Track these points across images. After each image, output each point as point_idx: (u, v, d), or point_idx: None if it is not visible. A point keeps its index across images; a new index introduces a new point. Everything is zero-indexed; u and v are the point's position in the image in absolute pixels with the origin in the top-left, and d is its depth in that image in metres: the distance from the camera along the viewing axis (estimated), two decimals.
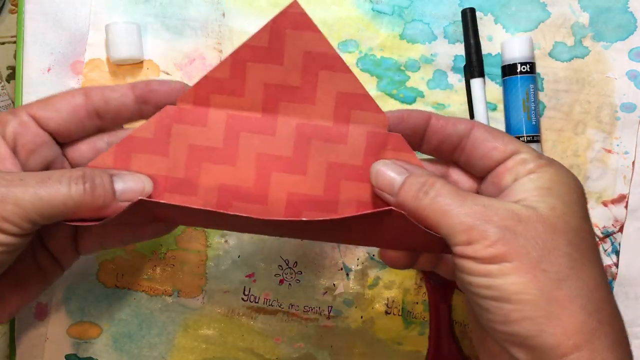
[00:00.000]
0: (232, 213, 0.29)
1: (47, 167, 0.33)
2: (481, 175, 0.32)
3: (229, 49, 0.44)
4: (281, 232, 0.33)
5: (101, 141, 0.34)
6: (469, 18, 0.44)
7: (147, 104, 0.33)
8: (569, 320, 0.26)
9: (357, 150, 0.32)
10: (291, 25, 0.31)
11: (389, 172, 0.31)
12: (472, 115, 0.44)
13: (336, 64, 0.31)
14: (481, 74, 0.44)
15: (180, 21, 0.44)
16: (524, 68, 0.43)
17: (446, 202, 0.28)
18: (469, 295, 0.28)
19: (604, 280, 0.28)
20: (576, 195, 0.29)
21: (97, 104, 0.33)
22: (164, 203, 0.30)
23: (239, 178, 0.33)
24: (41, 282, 0.35)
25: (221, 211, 0.29)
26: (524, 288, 0.26)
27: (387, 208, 0.29)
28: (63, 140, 0.34)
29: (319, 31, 0.31)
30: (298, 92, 0.32)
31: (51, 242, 0.36)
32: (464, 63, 0.45)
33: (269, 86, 0.32)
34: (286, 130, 0.32)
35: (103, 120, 0.33)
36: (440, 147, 0.32)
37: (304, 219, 0.29)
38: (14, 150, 0.32)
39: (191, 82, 0.44)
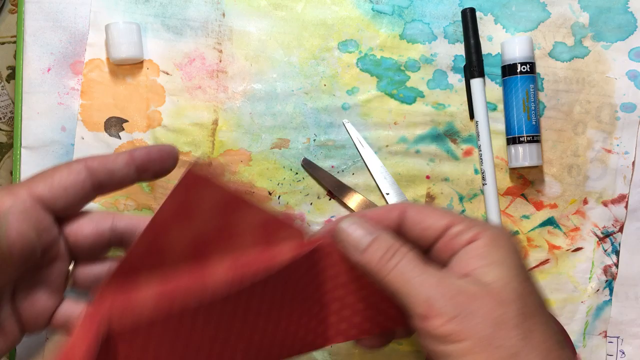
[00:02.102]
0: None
1: (45, 251, 0.31)
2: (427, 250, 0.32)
3: (228, 48, 0.44)
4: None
5: (104, 223, 0.32)
6: (468, 18, 0.44)
7: (146, 173, 0.32)
8: None
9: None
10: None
11: (358, 231, 0.31)
12: (472, 116, 0.44)
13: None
14: (481, 74, 0.44)
15: (180, 21, 0.44)
16: (524, 68, 0.43)
17: (408, 270, 0.29)
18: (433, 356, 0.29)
19: (557, 338, 0.28)
20: (516, 256, 0.30)
21: (102, 179, 0.31)
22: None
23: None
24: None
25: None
26: None
27: (322, 240, 0.30)
28: (64, 215, 0.31)
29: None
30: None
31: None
32: (464, 63, 0.45)
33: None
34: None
35: (103, 192, 0.32)
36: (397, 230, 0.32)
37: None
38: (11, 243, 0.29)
39: (191, 82, 0.44)
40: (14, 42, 0.49)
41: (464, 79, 0.45)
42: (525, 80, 0.43)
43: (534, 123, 0.43)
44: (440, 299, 0.28)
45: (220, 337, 0.31)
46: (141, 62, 0.44)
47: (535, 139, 0.43)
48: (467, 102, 0.45)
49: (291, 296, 0.32)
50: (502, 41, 0.44)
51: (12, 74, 0.50)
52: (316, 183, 0.45)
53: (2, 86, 0.49)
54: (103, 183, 0.31)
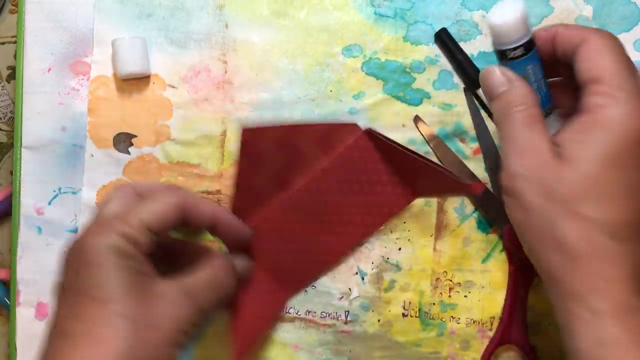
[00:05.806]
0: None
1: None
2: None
3: (233, 59, 0.44)
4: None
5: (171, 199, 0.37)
6: (445, 39, 0.44)
7: (216, 232, 0.39)
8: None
9: None
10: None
11: (495, 78, 0.34)
12: (483, 127, 0.44)
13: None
14: None
15: (183, 34, 0.44)
16: (514, 53, 0.35)
17: (516, 129, 0.33)
18: None
19: None
20: (611, 148, 0.31)
21: (187, 219, 0.36)
22: None
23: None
24: None
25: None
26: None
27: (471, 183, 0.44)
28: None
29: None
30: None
31: None
32: (464, 83, 0.44)
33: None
34: None
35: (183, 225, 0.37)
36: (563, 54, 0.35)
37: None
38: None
39: (197, 94, 0.44)
40: (14, 42, 0.49)
41: (467, 97, 0.44)
42: (521, 64, 0.35)
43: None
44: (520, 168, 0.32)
45: (310, 226, 0.43)
46: (147, 77, 0.44)
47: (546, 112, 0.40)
48: (469, 113, 0.44)
49: (347, 189, 0.43)
50: (488, 22, 0.35)
51: (12, 74, 0.50)
52: None
53: (2, 86, 0.50)
54: (186, 221, 0.36)
